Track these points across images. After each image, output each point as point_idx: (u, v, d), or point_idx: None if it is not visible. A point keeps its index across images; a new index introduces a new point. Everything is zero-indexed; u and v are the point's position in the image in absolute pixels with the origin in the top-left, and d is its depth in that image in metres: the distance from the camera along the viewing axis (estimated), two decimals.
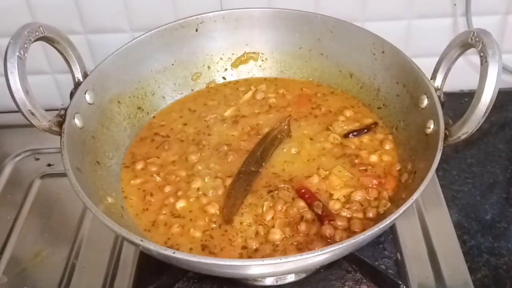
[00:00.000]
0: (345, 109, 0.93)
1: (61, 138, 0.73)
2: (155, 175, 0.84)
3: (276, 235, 0.74)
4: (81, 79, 0.81)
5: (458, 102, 1.09)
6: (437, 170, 0.69)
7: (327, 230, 0.74)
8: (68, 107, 0.77)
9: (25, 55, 0.69)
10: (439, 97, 0.76)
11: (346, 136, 0.88)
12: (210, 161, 0.85)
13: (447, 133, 0.72)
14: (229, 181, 0.81)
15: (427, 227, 0.87)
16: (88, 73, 0.82)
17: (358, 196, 0.79)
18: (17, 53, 0.68)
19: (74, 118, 0.77)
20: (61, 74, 1.12)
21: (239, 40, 0.98)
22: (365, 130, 0.88)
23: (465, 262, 0.83)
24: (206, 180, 0.82)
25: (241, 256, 0.72)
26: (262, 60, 1.00)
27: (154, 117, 0.94)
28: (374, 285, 0.79)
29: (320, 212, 0.76)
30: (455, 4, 1.05)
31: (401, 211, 0.64)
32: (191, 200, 0.80)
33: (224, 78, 1.00)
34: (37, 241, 0.90)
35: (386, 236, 0.84)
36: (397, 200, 0.77)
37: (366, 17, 1.06)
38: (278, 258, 0.60)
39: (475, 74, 0.68)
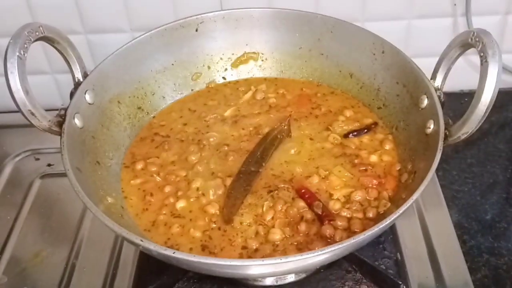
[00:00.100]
0: (345, 109, 0.93)
1: (61, 138, 0.73)
2: (155, 175, 0.84)
3: (276, 235, 0.74)
4: (81, 79, 0.81)
5: (458, 102, 1.09)
6: (437, 170, 0.69)
7: (327, 230, 0.74)
8: (68, 107, 0.77)
9: (25, 55, 0.69)
10: (439, 97, 0.76)
11: (346, 136, 0.88)
12: (210, 161, 0.85)
13: (447, 133, 0.72)
14: (229, 181, 0.81)
15: (427, 227, 0.87)
16: (88, 73, 0.82)
17: (358, 196, 0.78)
18: (17, 53, 0.68)
19: (74, 118, 0.77)
20: (61, 74, 1.12)
21: (239, 40, 0.98)
22: (365, 130, 0.88)
23: (465, 262, 0.82)
24: (206, 180, 0.82)
25: (241, 256, 0.72)
26: (262, 60, 1.00)
27: (154, 117, 0.94)
28: (374, 285, 0.79)
29: (320, 212, 0.76)
30: (455, 4, 1.05)
31: (401, 211, 0.64)
32: (191, 200, 0.80)
33: (224, 78, 1.00)
34: (37, 241, 0.90)
35: (386, 236, 0.84)
36: (397, 200, 0.77)
37: (366, 17, 1.06)
38: (278, 258, 0.60)
39: (475, 74, 0.68)
